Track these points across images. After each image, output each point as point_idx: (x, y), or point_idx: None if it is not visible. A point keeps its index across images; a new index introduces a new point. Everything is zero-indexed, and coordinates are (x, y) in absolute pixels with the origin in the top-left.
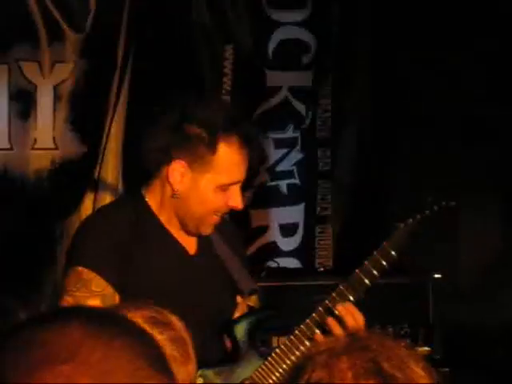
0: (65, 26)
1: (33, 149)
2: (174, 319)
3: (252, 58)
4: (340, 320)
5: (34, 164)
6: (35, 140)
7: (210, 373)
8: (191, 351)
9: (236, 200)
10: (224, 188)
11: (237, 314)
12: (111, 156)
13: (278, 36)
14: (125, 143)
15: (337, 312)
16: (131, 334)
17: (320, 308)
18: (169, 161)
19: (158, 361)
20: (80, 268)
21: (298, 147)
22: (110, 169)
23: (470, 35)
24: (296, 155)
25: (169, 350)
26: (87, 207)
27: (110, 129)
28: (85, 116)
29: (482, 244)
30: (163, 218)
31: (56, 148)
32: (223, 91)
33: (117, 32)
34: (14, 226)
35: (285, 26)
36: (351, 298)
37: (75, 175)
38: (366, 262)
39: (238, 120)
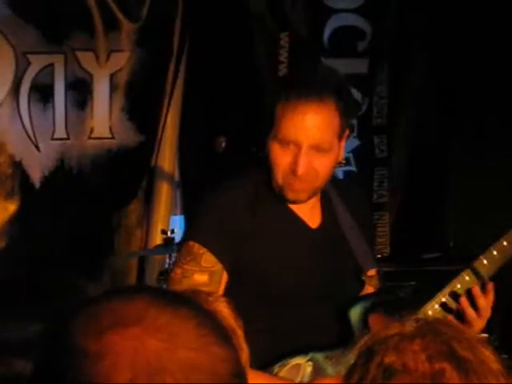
0: (120, 16)
1: (89, 138)
2: (222, 307)
3: (307, 45)
4: (472, 302)
5: (90, 153)
6: (92, 129)
7: (320, 356)
8: (242, 339)
9: (295, 162)
10: (281, 143)
11: (359, 294)
12: (168, 145)
13: (333, 23)
14: (181, 131)
15: (473, 293)
16: (195, 306)
17: (443, 293)
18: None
19: (221, 332)
20: (191, 242)
21: (355, 134)
22: (167, 157)
23: None
24: (352, 142)
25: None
26: (143, 195)
27: (166, 118)
28: (141, 105)
29: None
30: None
31: (112, 137)
32: (279, 79)
33: (172, 21)
34: (72, 215)
35: (340, 13)
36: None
37: (132, 164)
38: (491, 248)
39: (297, 79)
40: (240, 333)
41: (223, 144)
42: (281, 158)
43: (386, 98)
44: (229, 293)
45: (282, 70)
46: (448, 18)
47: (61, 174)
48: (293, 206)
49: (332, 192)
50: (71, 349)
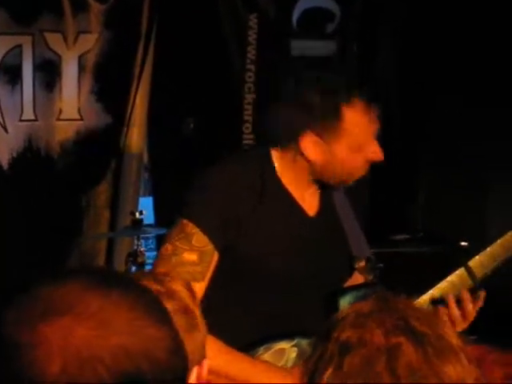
0: None
1: (58, 120)
2: (179, 287)
3: (276, 26)
4: (459, 303)
5: (59, 135)
6: (60, 111)
7: (305, 343)
8: (199, 319)
9: (376, 153)
10: (359, 149)
11: (350, 282)
12: (136, 126)
13: (302, 5)
14: (150, 113)
15: (462, 296)
16: (128, 287)
17: (435, 289)
18: (297, 134)
19: (156, 312)
20: (186, 221)
21: None
22: (135, 139)
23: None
24: None
25: (173, 320)
26: (112, 177)
27: (134, 99)
28: (109, 86)
29: (510, 212)
30: (285, 180)
31: (81, 119)
32: (248, 60)
33: (140, 2)
34: (40, 196)
35: None
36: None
37: (100, 146)
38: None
39: (356, 83)
40: (197, 312)
41: (191, 125)
42: (362, 163)
43: None
44: (220, 274)
45: (251, 51)
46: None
47: (29, 155)
48: (294, 192)
49: None
50: (4, 340)
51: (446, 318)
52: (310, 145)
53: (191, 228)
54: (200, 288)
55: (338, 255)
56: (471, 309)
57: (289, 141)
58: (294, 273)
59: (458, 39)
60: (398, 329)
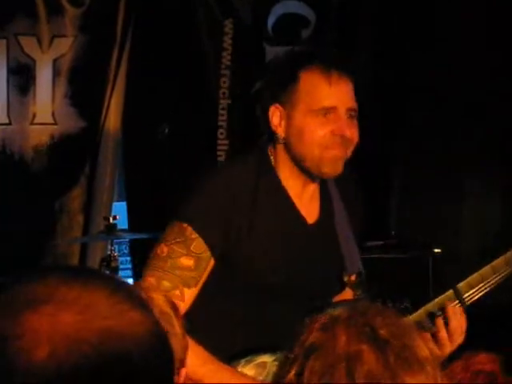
0: (64, 1)
1: (32, 124)
2: (155, 295)
3: (251, 32)
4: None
5: (32, 139)
6: (34, 115)
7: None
8: (176, 324)
9: (339, 126)
10: (318, 114)
11: (341, 296)
12: (110, 131)
13: (277, 10)
14: (124, 117)
15: (447, 313)
16: (106, 278)
17: (422, 311)
18: (267, 109)
19: (136, 299)
20: (185, 225)
21: None
22: (110, 144)
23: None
24: None
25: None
26: (86, 182)
27: (109, 104)
28: (84, 91)
29: (483, 221)
30: (282, 176)
31: (55, 123)
32: (223, 65)
33: (116, 6)
34: (13, 201)
35: (284, 1)
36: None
37: (74, 150)
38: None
39: (320, 50)
40: (176, 321)
41: (166, 130)
42: (319, 129)
43: None
44: (211, 281)
45: (226, 56)
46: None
47: (2, 159)
48: (294, 197)
49: (330, 181)
50: None
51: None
52: (274, 117)
53: (190, 233)
54: (191, 294)
55: (330, 267)
56: (456, 326)
57: (265, 121)
58: (287, 282)
59: (432, 42)
60: (363, 336)
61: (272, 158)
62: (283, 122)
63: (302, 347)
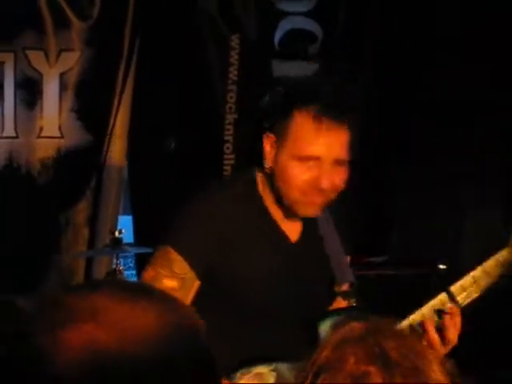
0: (71, 15)
1: (39, 137)
2: None
3: (258, 47)
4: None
5: (39, 152)
6: (41, 128)
7: (284, 367)
8: None
9: (318, 177)
10: (302, 160)
11: (332, 307)
12: (117, 145)
13: (284, 26)
14: (131, 132)
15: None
16: (156, 297)
17: (415, 315)
18: (261, 135)
19: (183, 319)
20: (169, 248)
21: None
22: (116, 157)
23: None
24: None
25: None
26: (91, 195)
27: (115, 118)
28: (91, 105)
29: (485, 234)
30: (267, 200)
31: (62, 137)
32: (229, 81)
33: (123, 21)
34: (19, 214)
35: (291, 16)
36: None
37: (80, 164)
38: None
39: (321, 91)
40: None
41: (172, 145)
42: (300, 175)
43: None
44: (200, 300)
45: (233, 71)
46: (400, 26)
47: (9, 172)
48: (277, 217)
49: None
50: (29, 348)
51: (424, 343)
52: (267, 146)
53: (174, 255)
54: None
55: (319, 281)
56: (452, 334)
57: (260, 147)
58: (273, 300)
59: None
60: (372, 357)
61: (259, 182)
62: (273, 152)
63: (313, 365)
